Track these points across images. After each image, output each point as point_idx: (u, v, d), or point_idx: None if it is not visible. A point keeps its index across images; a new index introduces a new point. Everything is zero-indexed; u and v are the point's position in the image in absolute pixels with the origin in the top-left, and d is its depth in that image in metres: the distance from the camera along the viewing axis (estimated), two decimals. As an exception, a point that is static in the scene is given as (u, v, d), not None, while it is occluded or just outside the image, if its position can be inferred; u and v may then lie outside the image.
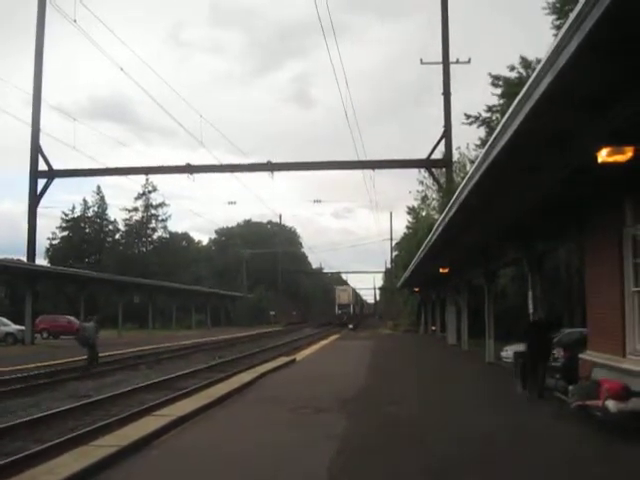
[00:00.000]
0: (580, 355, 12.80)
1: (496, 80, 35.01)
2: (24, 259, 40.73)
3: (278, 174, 38.16)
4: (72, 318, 47.32)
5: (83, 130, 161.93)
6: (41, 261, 61.97)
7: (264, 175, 37.83)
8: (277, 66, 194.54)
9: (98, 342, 22.27)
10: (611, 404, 8.91)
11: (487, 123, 36.30)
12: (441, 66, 36.51)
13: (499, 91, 35.14)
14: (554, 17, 30.53)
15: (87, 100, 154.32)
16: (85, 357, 21.84)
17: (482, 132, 37.42)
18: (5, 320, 40.45)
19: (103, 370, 21.28)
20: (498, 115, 33.12)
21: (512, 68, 34.17)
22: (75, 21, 25.97)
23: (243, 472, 7.25)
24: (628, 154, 7.73)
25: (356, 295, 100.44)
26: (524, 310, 17.59)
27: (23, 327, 38.24)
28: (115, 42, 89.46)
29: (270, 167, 37.14)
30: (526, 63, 32.47)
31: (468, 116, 37.89)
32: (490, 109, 36.27)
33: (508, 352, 20.80)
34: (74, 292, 46.88)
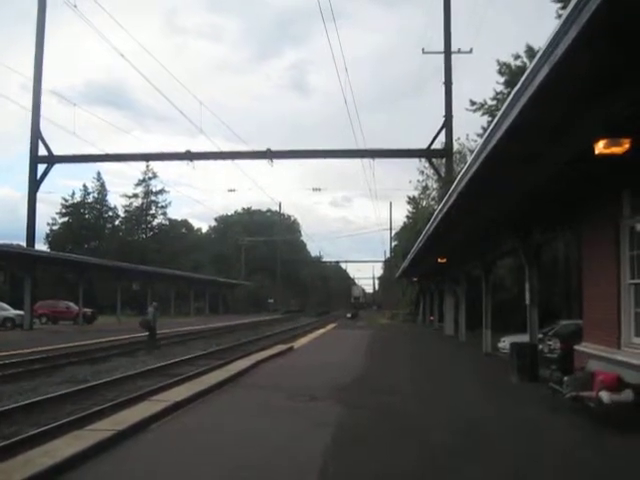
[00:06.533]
0: (576, 347, 12.88)
1: (503, 67, 35.10)
2: (23, 244, 40.74)
3: (277, 162, 37.96)
4: (71, 304, 47.48)
5: (82, 116, 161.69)
6: (40, 246, 62.04)
7: (263, 163, 37.73)
8: (275, 53, 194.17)
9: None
10: (605, 395, 8.97)
11: (491, 112, 36.31)
12: (442, 55, 36.44)
13: (503, 79, 35.25)
14: (559, 6, 30.44)
15: (84, 86, 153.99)
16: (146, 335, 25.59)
17: (484, 121, 37.53)
18: (4, 305, 40.65)
19: (99, 356, 21.36)
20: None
21: (517, 57, 34.24)
22: (75, 6, 25.82)
23: (237, 456, 7.30)
24: (625, 146, 7.71)
25: (363, 290, 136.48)
26: (521, 302, 17.62)
27: (22, 312, 38.45)
28: (113, 28, 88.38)
29: (269, 155, 36.89)
30: (531, 53, 32.44)
31: (473, 102, 38.02)
32: (497, 96, 36.27)
33: (505, 343, 20.93)
34: (73, 278, 46.83)
